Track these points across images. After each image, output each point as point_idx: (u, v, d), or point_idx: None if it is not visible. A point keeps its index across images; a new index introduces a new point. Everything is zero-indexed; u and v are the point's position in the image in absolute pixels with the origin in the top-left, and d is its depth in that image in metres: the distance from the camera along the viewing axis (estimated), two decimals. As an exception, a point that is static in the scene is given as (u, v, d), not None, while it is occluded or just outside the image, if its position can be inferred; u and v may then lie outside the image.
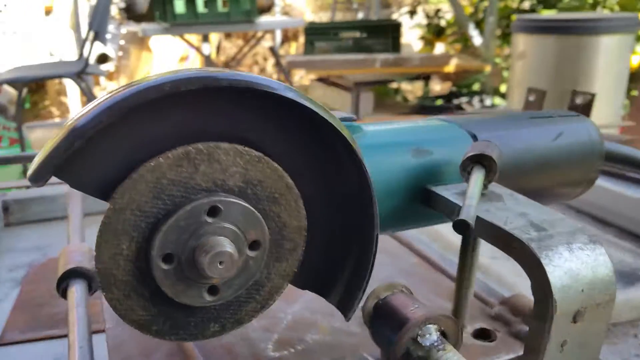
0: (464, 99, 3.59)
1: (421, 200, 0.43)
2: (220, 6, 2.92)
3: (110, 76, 4.52)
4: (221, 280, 0.33)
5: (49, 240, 0.92)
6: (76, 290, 0.55)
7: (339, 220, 0.39)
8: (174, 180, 0.32)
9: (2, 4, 4.03)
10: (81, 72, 2.73)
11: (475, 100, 3.55)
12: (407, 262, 0.61)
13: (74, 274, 0.57)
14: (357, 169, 0.36)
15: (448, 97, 3.73)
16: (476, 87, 3.79)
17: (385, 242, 0.65)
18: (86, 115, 0.29)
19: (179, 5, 2.83)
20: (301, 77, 5.07)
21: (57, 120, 4.30)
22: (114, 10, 4.15)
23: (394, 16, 4.76)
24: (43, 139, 3.73)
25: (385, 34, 3.70)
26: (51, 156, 0.29)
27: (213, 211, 0.33)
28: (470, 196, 0.36)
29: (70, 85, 3.86)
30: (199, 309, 0.35)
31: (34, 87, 4.29)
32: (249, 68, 4.86)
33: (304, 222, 0.36)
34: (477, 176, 0.38)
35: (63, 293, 0.58)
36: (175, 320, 0.35)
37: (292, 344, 0.45)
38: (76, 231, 0.72)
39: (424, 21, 4.64)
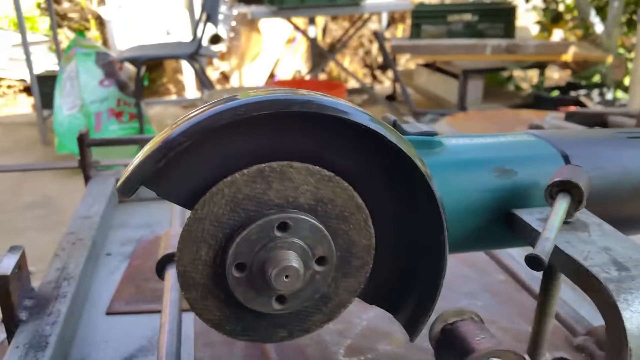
0: (582, 92, 3.35)
1: (504, 223, 0.42)
2: (327, -10, 2.95)
3: (222, 56, 4.72)
4: (288, 291, 0.35)
5: (157, 218, 1.00)
6: (172, 274, 0.59)
7: (409, 239, 0.39)
8: (248, 196, 0.34)
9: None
10: (194, 54, 2.88)
11: (595, 93, 3.30)
12: (494, 279, 0.59)
13: (171, 258, 0.61)
14: (428, 192, 0.36)
15: (565, 88, 3.50)
16: (596, 78, 3.52)
17: (474, 255, 0.64)
18: (167, 136, 0.32)
19: (287, -10, 2.90)
20: (407, 60, 4.99)
21: (173, 97, 4.57)
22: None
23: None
24: (160, 114, 4.00)
25: (499, 17, 3.52)
26: (136, 173, 0.32)
27: (283, 226, 0.35)
28: (549, 228, 0.35)
29: (186, 64, 4.08)
30: (269, 315, 0.37)
31: (152, 65, 4.57)
32: (354, 50, 4.86)
33: (372, 241, 0.37)
34: (561, 205, 0.37)
35: (161, 275, 0.64)
36: (247, 322, 0.37)
37: (363, 352, 0.46)
38: (178, 215, 0.78)
39: (541, 5, 4.36)
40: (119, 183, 0.33)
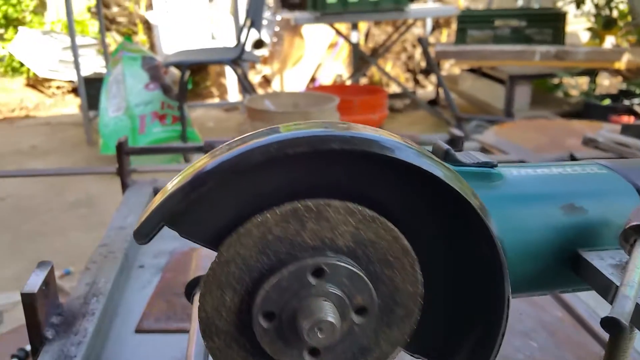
0: (635, 100, 3.20)
1: (570, 266, 0.37)
2: (370, -5, 2.91)
3: (264, 60, 4.74)
4: (322, 346, 0.31)
5: (191, 229, 0.98)
6: (200, 299, 0.56)
7: (463, 285, 0.35)
8: (280, 237, 0.31)
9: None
10: (237, 59, 2.89)
11: (649, 102, 3.15)
12: (551, 315, 0.54)
13: (199, 282, 0.58)
14: (485, 232, 0.32)
15: (617, 96, 3.36)
16: (651, 86, 3.36)
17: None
18: (192, 175, 0.29)
19: (331, -5, 2.87)
20: (451, 65, 4.90)
21: (216, 100, 4.62)
22: (270, -1, 4.33)
23: (559, 4, 4.38)
24: (202, 117, 4.03)
25: (548, 23, 3.41)
26: (155, 216, 0.29)
27: (318, 272, 0.31)
28: (629, 283, 0.30)
29: (229, 68, 4.11)
30: None
31: (197, 69, 4.63)
32: (397, 55, 4.79)
33: (420, 288, 0.33)
34: (641, 253, 0.32)
35: (190, 299, 0.61)
36: None
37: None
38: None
39: (593, 10, 4.20)
40: (137, 226, 0.30)
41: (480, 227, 0.32)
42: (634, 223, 0.33)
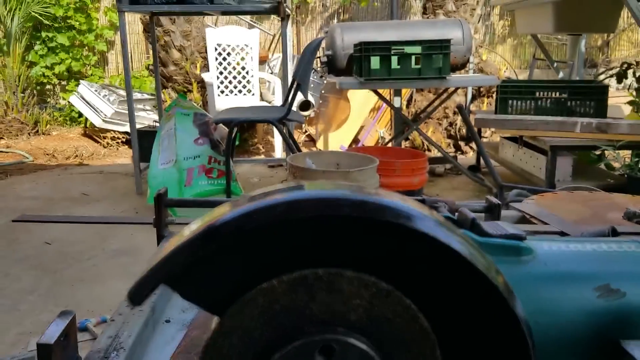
0: (684, 176, 3.08)
1: (609, 357, 0.34)
2: (413, 63, 2.95)
3: (309, 121, 4.85)
4: None
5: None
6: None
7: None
8: (287, 307, 0.29)
9: (226, 52, 4.60)
10: (283, 118, 2.95)
11: (699, 179, 3.02)
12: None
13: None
14: (509, 314, 0.30)
15: (661, 171, 3.24)
16: (701, 163, 3.24)
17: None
18: (192, 236, 0.28)
19: (374, 62, 2.93)
20: (492, 132, 4.87)
21: (262, 157, 4.71)
22: (317, 64, 4.46)
23: (601, 77, 4.35)
24: (247, 172, 4.10)
25: (590, 96, 3.39)
26: (150, 279, 0.28)
27: (327, 350, 0.29)
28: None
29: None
30: None
31: (245, 126, 4.76)
32: (439, 121, 4.81)
33: None
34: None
35: None
36: None
37: None
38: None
39: (635, 84, 4.15)
40: (131, 288, 0.29)
41: (505, 308, 0.30)
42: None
